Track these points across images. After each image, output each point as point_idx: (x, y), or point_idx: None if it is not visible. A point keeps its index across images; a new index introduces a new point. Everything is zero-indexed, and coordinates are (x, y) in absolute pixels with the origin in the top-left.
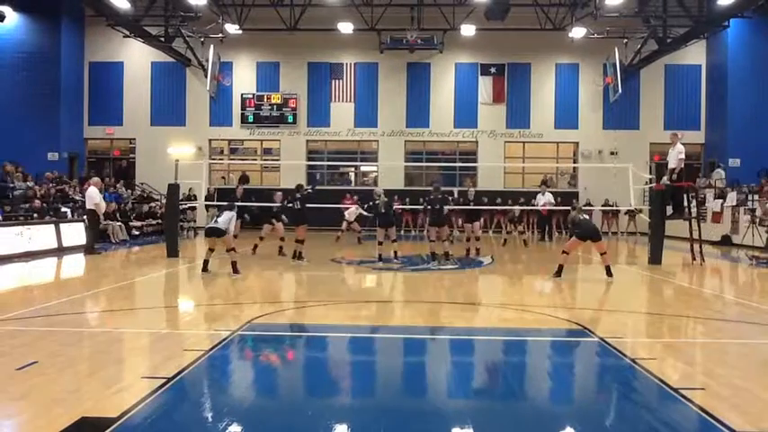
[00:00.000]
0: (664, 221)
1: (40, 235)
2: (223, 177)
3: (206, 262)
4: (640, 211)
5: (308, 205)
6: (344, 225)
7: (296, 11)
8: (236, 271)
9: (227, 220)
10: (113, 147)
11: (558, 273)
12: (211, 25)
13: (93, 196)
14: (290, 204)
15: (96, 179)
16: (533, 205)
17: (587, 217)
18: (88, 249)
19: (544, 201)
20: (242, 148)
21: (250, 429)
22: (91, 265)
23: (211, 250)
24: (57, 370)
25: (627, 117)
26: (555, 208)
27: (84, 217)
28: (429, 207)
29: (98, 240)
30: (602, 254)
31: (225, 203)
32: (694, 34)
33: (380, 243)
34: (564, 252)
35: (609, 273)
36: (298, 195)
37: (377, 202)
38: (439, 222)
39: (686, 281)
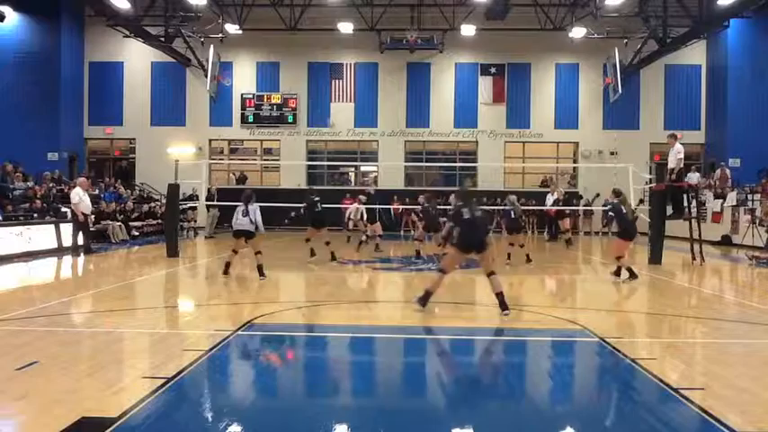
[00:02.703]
0: (664, 221)
1: (40, 235)
2: (232, 174)
3: (228, 264)
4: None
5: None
6: (367, 229)
7: (296, 11)
8: (261, 274)
9: (255, 215)
10: (113, 147)
11: (633, 273)
12: (211, 25)
13: (73, 196)
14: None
15: (82, 179)
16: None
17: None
18: (74, 250)
19: (553, 200)
20: (242, 148)
21: (250, 429)
22: (91, 265)
23: (235, 252)
24: (57, 370)
25: (627, 117)
26: (564, 208)
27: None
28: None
29: (91, 240)
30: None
31: (244, 195)
32: (694, 34)
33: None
34: (618, 258)
35: (619, 273)
36: (316, 198)
37: (510, 208)
38: (435, 228)
39: (686, 281)
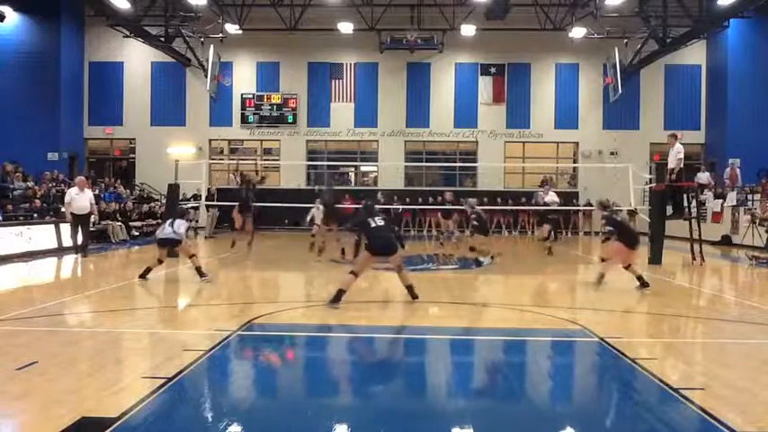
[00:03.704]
0: (664, 221)
1: (40, 235)
2: (234, 173)
3: (149, 269)
4: (637, 211)
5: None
6: (315, 228)
7: (296, 11)
8: (201, 275)
9: (179, 228)
10: (113, 147)
11: (601, 278)
12: (211, 25)
13: (66, 197)
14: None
15: (80, 178)
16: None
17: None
18: (75, 249)
19: (547, 200)
20: (242, 148)
21: (250, 429)
22: (91, 265)
23: (160, 261)
24: (57, 370)
25: (627, 117)
26: (559, 208)
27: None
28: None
29: (90, 241)
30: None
31: (177, 211)
32: (694, 34)
33: (474, 249)
34: (603, 259)
35: (641, 281)
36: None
37: (473, 210)
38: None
39: (686, 281)
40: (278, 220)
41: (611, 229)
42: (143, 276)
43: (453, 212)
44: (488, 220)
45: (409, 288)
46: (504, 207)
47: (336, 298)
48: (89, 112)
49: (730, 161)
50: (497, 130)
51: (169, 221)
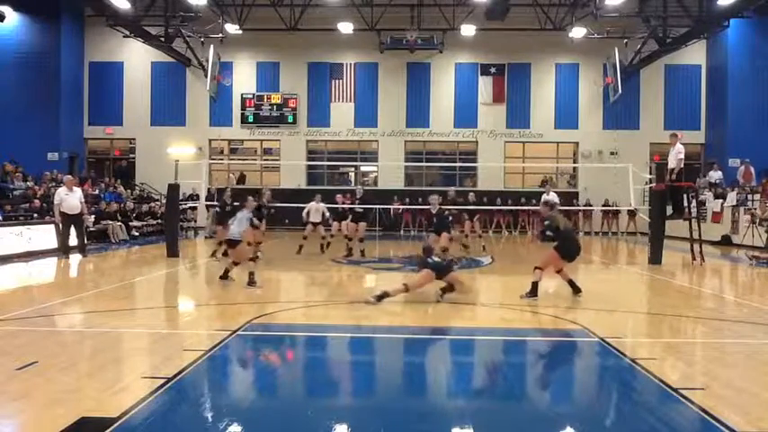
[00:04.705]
0: (664, 221)
1: (40, 235)
2: (232, 174)
3: (227, 270)
4: (635, 212)
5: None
6: (309, 228)
7: (296, 11)
8: (251, 282)
9: (240, 224)
10: (113, 147)
11: (533, 292)
12: (211, 25)
13: (55, 197)
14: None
15: (67, 178)
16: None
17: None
18: (63, 250)
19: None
20: (242, 148)
21: (250, 429)
22: (90, 265)
23: (236, 263)
24: (57, 370)
25: (627, 117)
26: (559, 208)
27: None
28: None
29: (89, 240)
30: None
31: (236, 204)
32: (694, 34)
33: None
34: (538, 268)
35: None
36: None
37: (434, 212)
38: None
39: (686, 281)
40: (278, 220)
41: (549, 234)
42: (224, 277)
43: (476, 213)
44: (486, 219)
45: (447, 288)
46: (505, 207)
47: (379, 297)
48: (89, 112)
49: (731, 162)
50: (497, 130)
51: (232, 220)
